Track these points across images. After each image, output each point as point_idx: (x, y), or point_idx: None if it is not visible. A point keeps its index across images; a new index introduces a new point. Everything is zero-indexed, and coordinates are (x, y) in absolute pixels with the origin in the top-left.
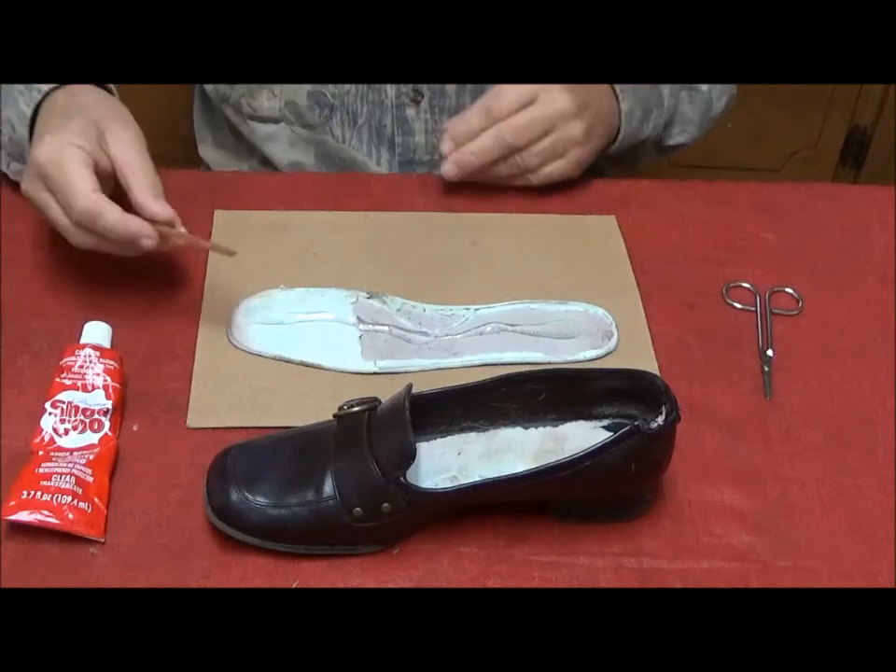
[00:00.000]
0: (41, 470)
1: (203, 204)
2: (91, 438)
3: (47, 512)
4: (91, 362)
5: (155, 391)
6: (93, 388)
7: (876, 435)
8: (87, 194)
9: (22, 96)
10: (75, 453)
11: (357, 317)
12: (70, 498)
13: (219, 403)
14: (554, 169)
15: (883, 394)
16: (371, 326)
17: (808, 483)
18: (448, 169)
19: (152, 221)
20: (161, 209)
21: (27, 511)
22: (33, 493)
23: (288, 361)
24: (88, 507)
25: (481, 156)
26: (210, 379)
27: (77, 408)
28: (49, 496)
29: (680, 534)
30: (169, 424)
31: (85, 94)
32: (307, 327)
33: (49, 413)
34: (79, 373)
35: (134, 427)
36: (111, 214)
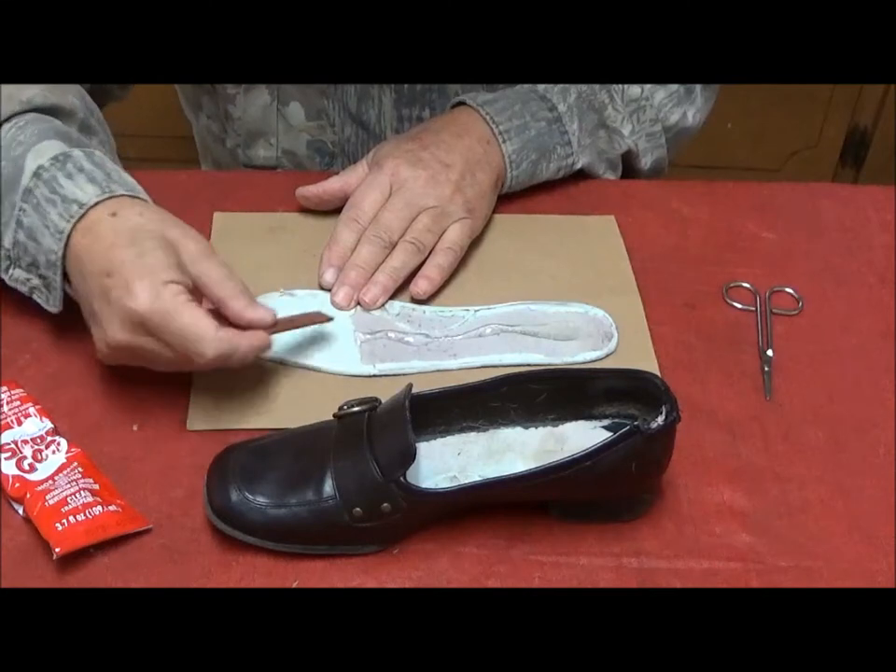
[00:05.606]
0: (52, 502)
1: (202, 204)
2: (58, 458)
3: (91, 529)
4: (3, 401)
5: (155, 392)
6: (25, 417)
7: (876, 435)
8: (214, 337)
9: (53, 206)
10: (58, 477)
11: (356, 324)
12: (100, 508)
13: (219, 406)
14: (457, 234)
15: (883, 394)
16: (369, 334)
17: (808, 483)
18: (371, 297)
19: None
20: (262, 315)
21: (73, 538)
22: (65, 521)
23: (288, 364)
24: (117, 508)
25: (371, 268)
26: (209, 381)
27: (24, 441)
28: (82, 515)
29: (680, 534)
30: (169, 424)
31: (132, 209)
32: (305, 333)
33: (5, 459)
34: (5, 413)
35: (134, 427)
36: (243, 347)
